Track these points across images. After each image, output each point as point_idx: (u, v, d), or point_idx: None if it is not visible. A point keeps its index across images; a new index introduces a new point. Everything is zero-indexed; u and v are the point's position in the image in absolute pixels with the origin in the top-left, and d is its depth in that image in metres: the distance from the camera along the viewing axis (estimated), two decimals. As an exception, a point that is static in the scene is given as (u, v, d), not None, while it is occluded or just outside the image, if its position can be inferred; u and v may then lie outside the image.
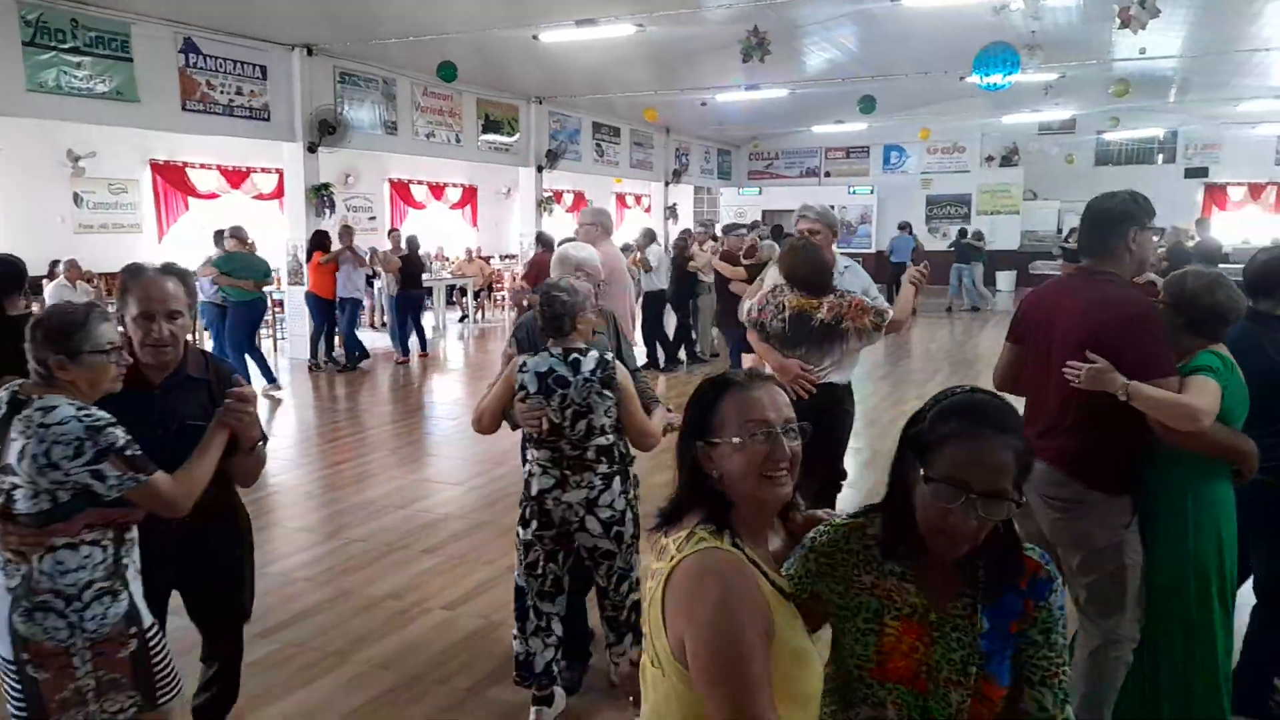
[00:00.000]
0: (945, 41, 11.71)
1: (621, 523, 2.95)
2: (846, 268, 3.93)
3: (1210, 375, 2.45)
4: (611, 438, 2.94)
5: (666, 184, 19.24)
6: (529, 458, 3.01)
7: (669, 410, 3.20)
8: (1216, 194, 20.10)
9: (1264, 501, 2.74)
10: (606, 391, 2.88)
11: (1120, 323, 2.49)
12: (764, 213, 21.19)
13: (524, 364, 2.91)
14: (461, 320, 14.84)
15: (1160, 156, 20.47)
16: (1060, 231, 18.41)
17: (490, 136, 14.05)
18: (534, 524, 2.97)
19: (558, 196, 18.38)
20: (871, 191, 20.71)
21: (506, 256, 17.17)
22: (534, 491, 2.96)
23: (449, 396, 9.46)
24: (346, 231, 10.41)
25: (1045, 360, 2.64)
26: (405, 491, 5.88)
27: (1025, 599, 1.44)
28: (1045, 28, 11.51)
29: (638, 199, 21.29)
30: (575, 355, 2.89)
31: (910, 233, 17.00)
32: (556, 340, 2.93)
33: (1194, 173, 20.15)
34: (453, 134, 13.35)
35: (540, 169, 15.00)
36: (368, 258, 11.05)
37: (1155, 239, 3.05)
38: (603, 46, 11.20)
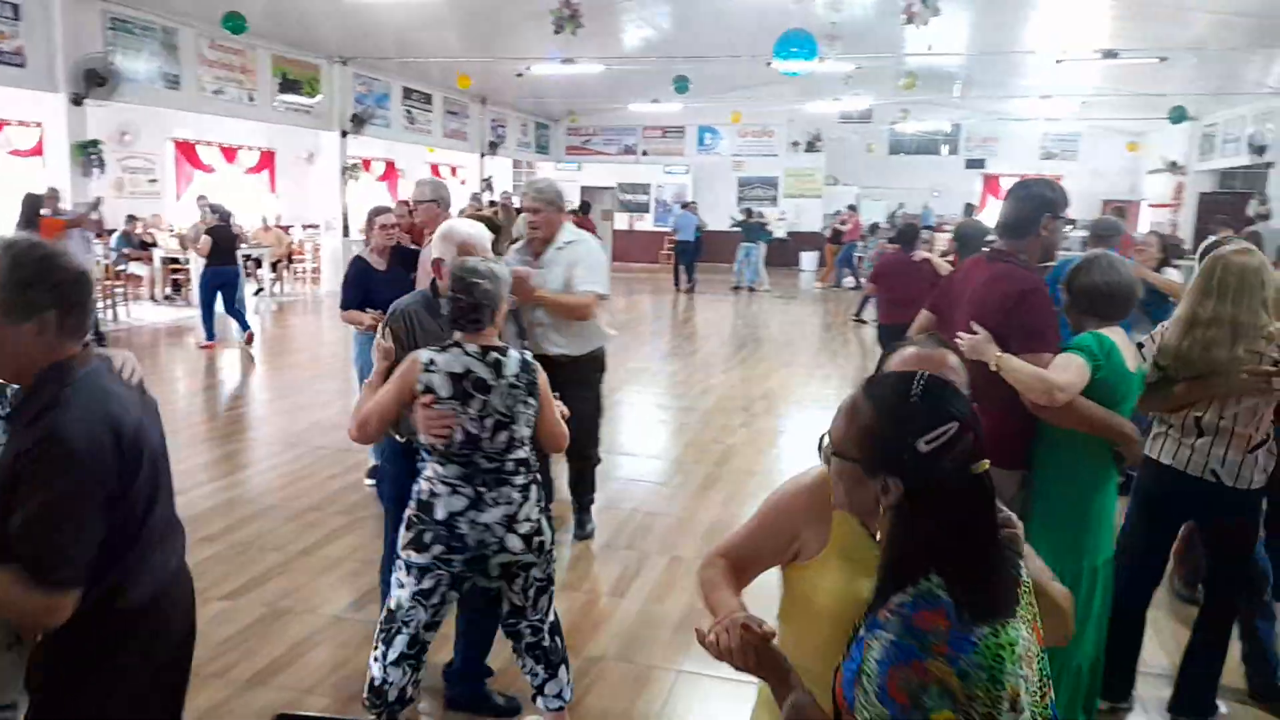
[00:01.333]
0: (754, 26, 12.09)
1: (540, 531, 2.61)
2: (568, 243, 4.08)
3: (1080, 354, 2.52)
4: (528, 447, 2.59)
5: (483, 156, 18.82)
6: (429, 474, 2.55)
7: None
8: (993, 183, 22.08)
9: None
10: (531, 399, 2.52)
11: (1005, 298, 2.63)
12: (583, 189, 21.24)
13: (430, 362, 2.44)
14: (257, 294, 13.88)
15: (945, 148, 22.22)
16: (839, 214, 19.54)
17: (288, 97, 13.16)
18: (437, 548, 2.51)
19: (366, 165, 17.55)
20: (687, 172, 21.18)
21: (309, 226, 16.22)
22: (441, 515, 2.50)
23: (240, 376, 8.84)
24: (52, 196, 8.71)
25: (949, 334, 2.62)
26: (183, 478, 5.42)
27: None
28: (844, 20, 12.14)
29: (453, 170, 20.69)
30: (496, 355, 2.48)
31: (695, 211, 17.46)
32: (471, 335, 2.49)
33: (974, 163, 22.04)
34: (245, 92, 12.39)
35: (345, 134, 14.23)
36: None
37: (1068, 228, 3.13)
38: (412, 5, 10.73)
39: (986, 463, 1.17)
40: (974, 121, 21.41)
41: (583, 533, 4.59)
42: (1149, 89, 14.70)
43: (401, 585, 2.58)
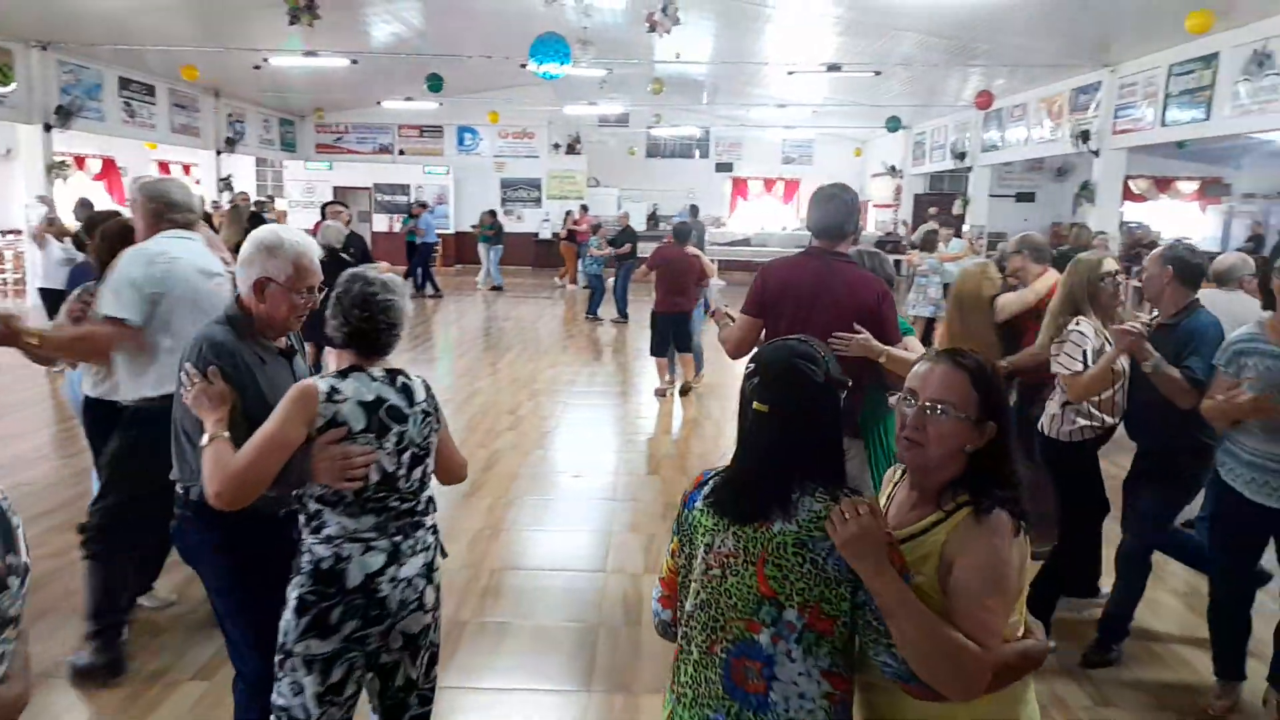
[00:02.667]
0: (507, 28, 12.02)
1: (438, 584, 2.24)
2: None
3: (912, 337, 3.11)
4: (431, 483, 2.22)
5: (219, 153, 17.33)
6: (331, 533, 2.02)
7: None
8: (741, 186, 23.45)
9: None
10: (438, 426, 2.22)
11: (877, 300, 3.09)
12: (335, 189, 20.17)
13: (332, 391, 2.02)
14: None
15: (698, 152, 23.33)
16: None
17: (-27, 84, 11.40)
18: (350, 625, 2.01)
19: (79, 162, 15.62)
20: (447, 172, 20.72)
21: (9, 232, 14.16)
22: (355, 581, 2.00)
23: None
24: None
25: (805, 325, 2.75)
26: None
27: None
28: (596, 25, 12.37)
29: (186, 169, 18.89)
30: (404, 379, 2.14)
31: (431, 211, 17.12)
32: (372, 359, 2.11)
33: (723, 167, 23.30)
34: (-87, 77, 10.59)
35: (49, 127, 12.55)
36: None
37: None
38: (122, -13, 9.64)
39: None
40: (722, 127, 22.63)
41: None
42: (869, 100, 16.24)
43: (299, 690, 2.03)
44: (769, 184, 23.39)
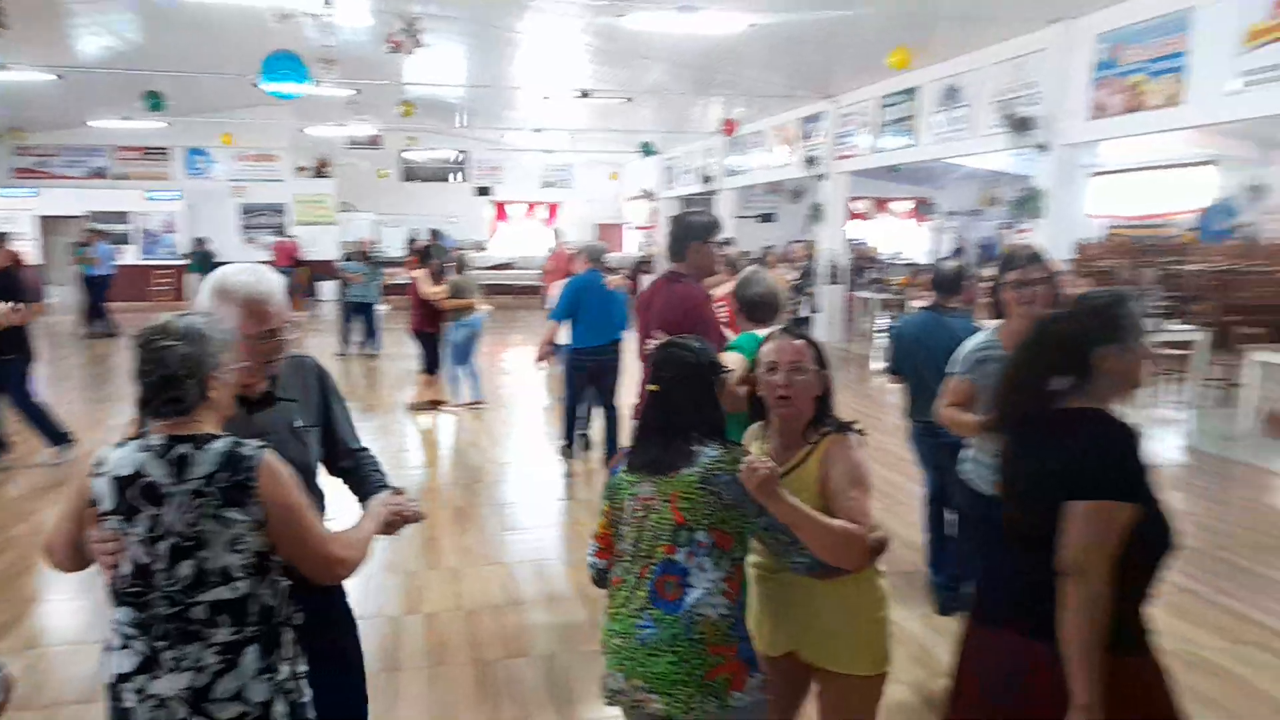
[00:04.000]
0: (240, 44, 11.20)
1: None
2: None
3: (738, 351, 3.20)
4: (246, 586, 1.75)
5: (-115, 179, 14.77)
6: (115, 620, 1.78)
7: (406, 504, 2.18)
8: (501, 210, 23.42)
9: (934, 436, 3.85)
10: (233, 511, 1.71)
11: (683, 312, 3.41)
12: (43, 219, 17.84)
13: (100, 462, 1.73)
14: None
15: (457, 175, 23.02)
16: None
17: None
18: None
19: None
20: (181, 197, 18.96)
21: None
22: (106, 679, 1.76)
23: None
24: None
25: (643, 340, 3.53)
26: None
27: None
28: (341, 44, 11.86)
29: None
30: (184, 449, 1.72)
31: (107, 240, 15.29)
32: (163, 419, 1.75)
33: (483, 191, 23.15)
34: None
35: None
36: None
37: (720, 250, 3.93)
38: None
39: None
40: (479, 151, 22.49)
41: None
42: (623, 125, 16.82)
43: None
44: (530, 207, 23.54)
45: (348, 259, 12.02)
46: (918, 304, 5.28)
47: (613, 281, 6.66)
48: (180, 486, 1.69)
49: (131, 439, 1.76)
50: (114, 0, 10.38)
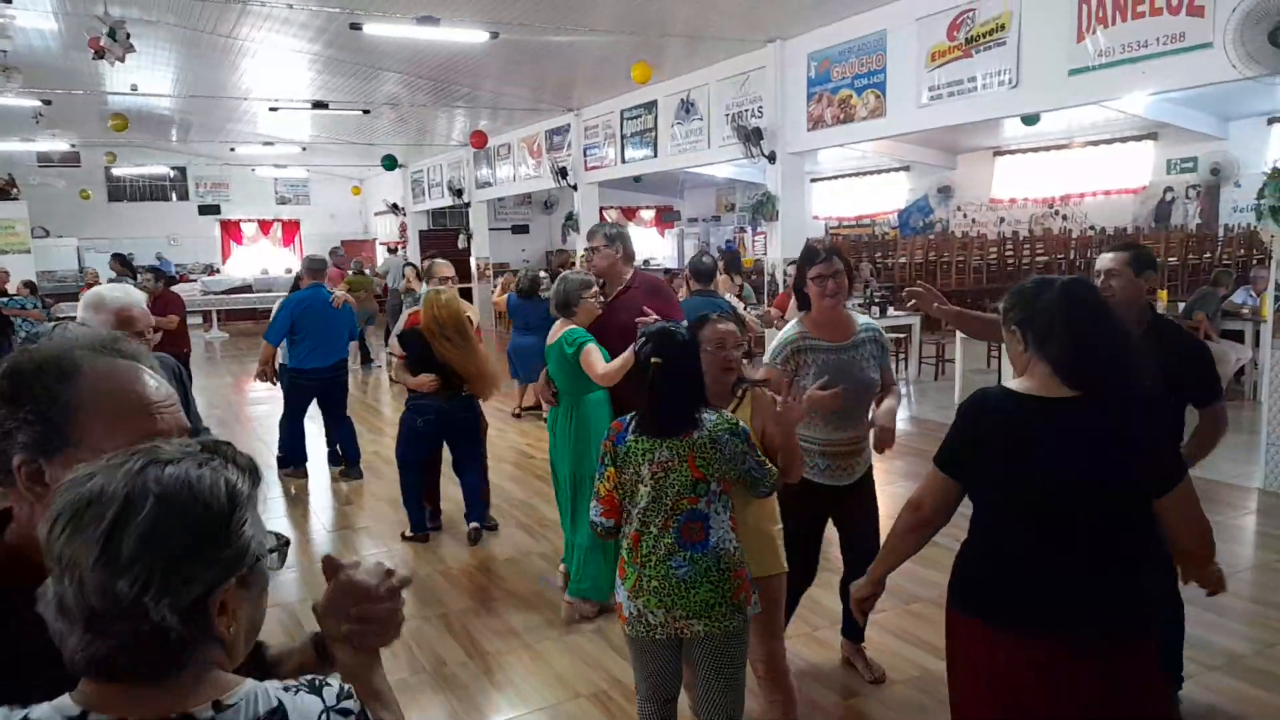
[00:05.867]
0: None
1: None
2: None
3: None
4: None
5: None
6: None
7: None
8: (233, 230, 21.66)
9: None
10: None
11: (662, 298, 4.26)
12: None
13: None
14: None
15: (174, 193, 20.99)
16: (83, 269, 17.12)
17: None
18: None
19: None
20: None
21: None
22: None
23: None
24: None
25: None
26: None
27: None
28: (20, 48, 10.43)
29: None
30: None
31: None
32: None
33: (207, 209, 21.29)
34: None
35: None
36: None
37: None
38: None
39: None
40: (201, 166, 20.69)
41: None
42: (362, 139, 16.16)
43: None
44: (265, 226, 21.98)
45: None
46: (683, 293, 5.94)
47: (338, 298, 6.43)
48: None
49: None
50: None
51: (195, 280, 19.03)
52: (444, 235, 20.58)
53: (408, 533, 5.32)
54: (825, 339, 3.19)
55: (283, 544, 0.98)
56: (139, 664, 0.86)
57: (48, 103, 12.09)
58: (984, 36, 7.09)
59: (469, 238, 18.03)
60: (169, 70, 12.59)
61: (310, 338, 6.17)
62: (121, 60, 6.88)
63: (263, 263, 21.10)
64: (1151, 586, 1.95)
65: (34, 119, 13.29)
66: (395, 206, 20.79)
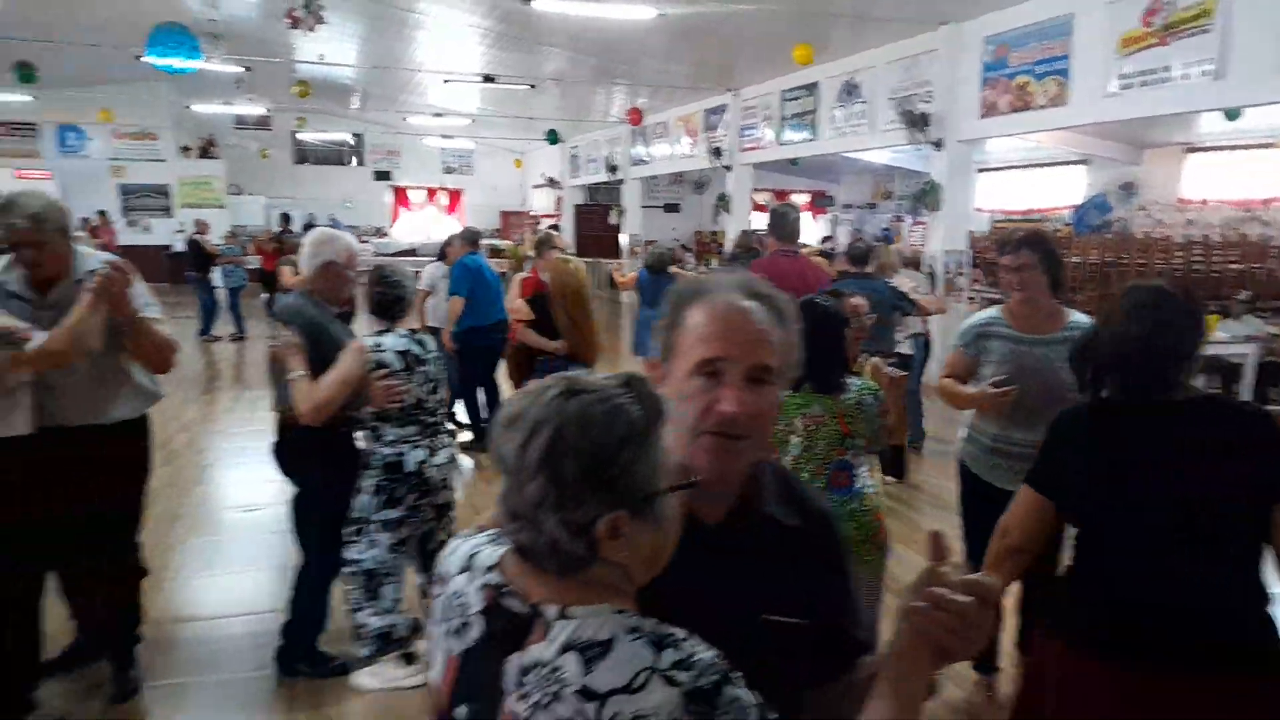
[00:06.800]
0: (118, 14, 10.59)
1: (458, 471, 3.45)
2: (91, 272, 2.75)
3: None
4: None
5: None
6: (390, 439, 3.12)
7: None
8: (402, 195, 22.86)
9: None
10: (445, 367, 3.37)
11: (825, 278, 4.60)
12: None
13: (377, 345, 3.08)
14: None
15: (352, 159, 22.32)
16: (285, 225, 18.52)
17: None
18: (411, 497, 3.14)
19: None
20: (54, 178, 17.76)
21: None
22: (411, 468, 3.13)
23: None
24: None
25: None
26: None
27: None
28: (227, 19, 11.33)
29: None
30: (419, 336, 3.26)
31: None
32: (395, 323, 3.20)
33: (381, 175, 22.54)
34: None
35: None
36: None
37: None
38: None
39: None
40: (376, 134, 21.88)
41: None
42: (526, 112, 16.66)
43: (374, 545, 3.13)
44: (431, 193, 23.06)
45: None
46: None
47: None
48: (428, 354, 3.23)
49: (382, 331, 3.17)
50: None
51: (367, 242, 20.21)
52: (597, 210, 20.97)
53: None
54: (1019, 329, 3.03)
55: (690, 483, 1.01)
56: (542, 560, 0.97)
57: (248, 69, 13.09)
58: (1184, 23, 6.54)
59: (620, 213, 18.30)
60: (353, 41, 13.40)
61: (478, 299, 6.49)
62: (312, 30, 7.37)
63: (425, 228, 22.16)
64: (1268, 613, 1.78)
65: (235, 84, 14.45)
66: (552, 181, 21.33)
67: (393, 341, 3.11)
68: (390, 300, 3.18)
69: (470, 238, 7.01)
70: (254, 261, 13.73)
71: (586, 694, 0.89)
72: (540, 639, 0.94)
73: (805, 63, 9.66)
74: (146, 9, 9.14)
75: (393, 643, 3.22)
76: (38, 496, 2.74)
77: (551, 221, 20.62)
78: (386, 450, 3.11)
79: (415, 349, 3.16)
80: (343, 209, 21.63)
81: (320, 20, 7.60)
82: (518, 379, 5.81)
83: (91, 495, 2.88)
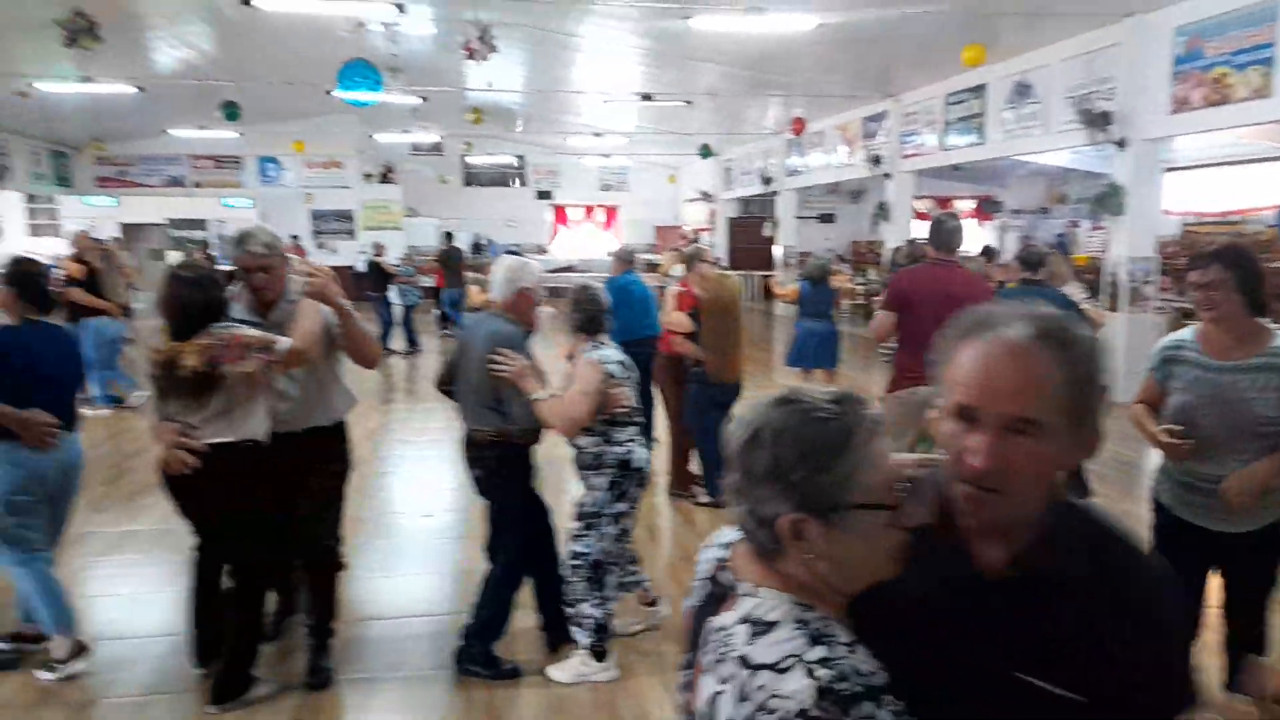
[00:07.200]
0: (310, 53, 11.53)
1: None
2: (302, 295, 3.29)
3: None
4: None
5: (-21, 190, 15.50)
6: (620, 440, 3.39)
7: None
8: (560, 213, 23.63)
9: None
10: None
11: (985, 290, 4.44)
12: (124, 226, 18.55)
13: (604, 359, 3.36)
14: None
15: (516, 180, 23.29)
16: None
17: None
18: (636, 492, 3.45)
19: None
20: (253, 205, 19.55)
21: None
22: (639, 465, 3.42)
23: None
24: None
25: (936, 314, 3.85)
26: None
27: None
28: (405, 52, 12.10)
29: (-64, 208, 16.73)
30: (616, 346, 3.52)
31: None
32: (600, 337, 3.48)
33: (543, 195, 23.39)
34: None
35: None
36: None
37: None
38: None
39: None
40: (538, 155, 22.74)
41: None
42: (680, 128, 16.85)
43: (601, 538, 3.39)
44: (588, 210, 23.71)
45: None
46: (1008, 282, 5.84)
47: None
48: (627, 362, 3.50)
49: (598, 346, 3.41)
50: (191, 13, 10.75)
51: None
52: (750, 223, 20.89)
53: (702, 498, 5.67)
54: (1209, 353, 2.75)
55: (880, 505, 1.04)
56: (748, 542, 1.10)
57: (424, 99, 13.93)
58: None
59: (775, 226, 18.15)
60: (519, 67, 13.99)
61: (622, 317, 6.64)
62: (486, 59, 7.75)
63: (582, 245, 22.79)
64: None
65: (411, 113, 15.42)
66: (706, 194, 21.44)
67: (612, 354, 3.39)
68: (594, 316, 3.43)
69: (625, 257, 7.16)
70: (427, 280, 14.64)
71: (744, 662, 0.99)
72: (730, 608, 1.07)
73: (974, 64, 9.27)
74: (336, 49, 9.92)
75: (608, 633, 3.43)
76: (265, 493, 3.14)
77: (700, 235, 20.70)
78: (619, 450, 3.38)
79: (627, 359, 3.46)
80: (505, 228, 22.58)
81: (494, 49, 7.99)
82: (669, 390, 5.89)
83: (307, 492, 3.33)
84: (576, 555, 3.39)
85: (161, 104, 14.87)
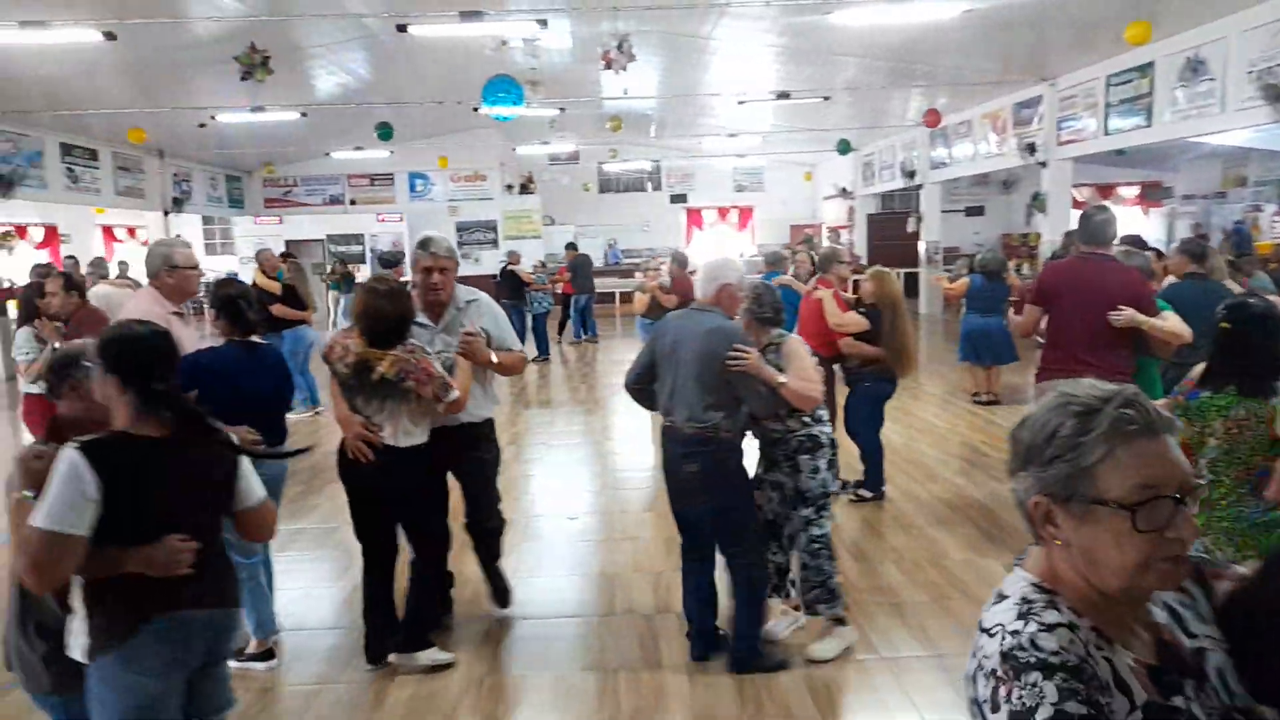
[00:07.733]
0: (455, 73, 12.02)
1: None
2: (470, 302, 3.84)
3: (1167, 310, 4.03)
4: None
5: (166, 214, 17.00)
6: (825, 415, 3.71)
7: None
8: (695, 216, 23.64)
9: None
10: None
11: (1138, 284, 4.07)
12: (287, 243, 19.88)
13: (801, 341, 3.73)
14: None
15: (650, 185, 23.49)
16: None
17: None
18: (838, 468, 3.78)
19: (21, 231, 15.22)
20: (402, 219, 20.58)
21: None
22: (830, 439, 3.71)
23: None
24: None
25: (1084, 309, 4.00)
26: None
27: None
28: (543, 65, 12.42)
29: (131, 231, 18.50)
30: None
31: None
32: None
33: (677, 198, 23.48)
34: None
35: (-11, 199, 12.22)
36: None
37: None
38: (64, 53, 9.43)
39: None
40: (672, 159, 22.84)
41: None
42: (817, 125, 16.51)
43: (832, 515, 3.68)
44: (722, 212, 23.62)
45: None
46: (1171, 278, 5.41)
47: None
48: None
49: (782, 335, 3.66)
50: (350, 40, 11.42)
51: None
52: (892, 218, 20.23)
53: (865, 493, 5.69)
54: None
55: (1102, 501, 1.06)
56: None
57: (562, 110, 14.26)
58: None
59: (919, 220, 17.51)
60: (655, 73, 14.09)
61: None
62: (624, 69, 7.84)
63: (717, 247, 22.70)
64: None
65: (549, 124, 15.81)
66: (845, 190, 20.93)
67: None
68: (778, 310, 3.65)
69: (772, 260, 7.19)
70: (557, 288, 15.04)
71: (981, 623, 1.15)
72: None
73: (1139, 42, 8.63)
74: (481, 67, 10.30)
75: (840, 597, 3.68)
76: (431, 477, 3.65)
77: (809, 236, 20.19)
78: (827, 429, 3.65)
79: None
80: (640, 232, 22.80)
81: (632, 59, 8.08)
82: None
83: (463, 474, 3.97)
84: (816, 539, 3.58)
85: (323, 128, 15.88)
